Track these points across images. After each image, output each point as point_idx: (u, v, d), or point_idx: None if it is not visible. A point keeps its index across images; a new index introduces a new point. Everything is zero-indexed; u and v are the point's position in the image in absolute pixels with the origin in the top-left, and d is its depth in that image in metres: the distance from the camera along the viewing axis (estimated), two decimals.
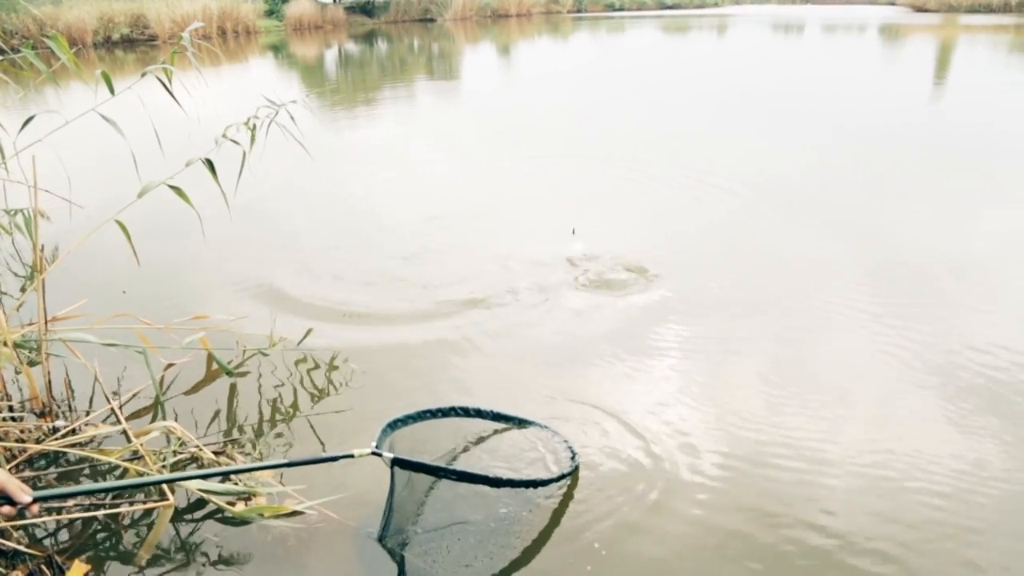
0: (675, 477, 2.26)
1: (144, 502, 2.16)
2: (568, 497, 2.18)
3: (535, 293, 3.61)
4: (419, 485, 2.11)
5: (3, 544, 1.93)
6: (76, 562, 1.92)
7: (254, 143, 2.78)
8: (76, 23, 18.49)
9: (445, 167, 6.48)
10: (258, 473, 2.25)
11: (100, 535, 2.07)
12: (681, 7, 37.06)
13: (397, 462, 1.90)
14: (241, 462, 2.34)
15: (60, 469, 2.35)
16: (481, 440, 2.44)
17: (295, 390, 2.83)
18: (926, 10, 27.18)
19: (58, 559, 1.94)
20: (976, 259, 3.91)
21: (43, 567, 1.90)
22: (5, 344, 2.37)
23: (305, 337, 3.01)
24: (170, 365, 2.95)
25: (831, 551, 1.96)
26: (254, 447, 2.46)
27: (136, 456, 2.27)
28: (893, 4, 32.25)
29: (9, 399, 2.61)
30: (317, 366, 2.99)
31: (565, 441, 2.40)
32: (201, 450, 2.34)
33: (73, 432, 2.43)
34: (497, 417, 2.41)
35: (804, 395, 2.68)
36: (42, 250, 2.53)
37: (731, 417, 2.56)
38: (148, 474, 2.17)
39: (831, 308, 3.37)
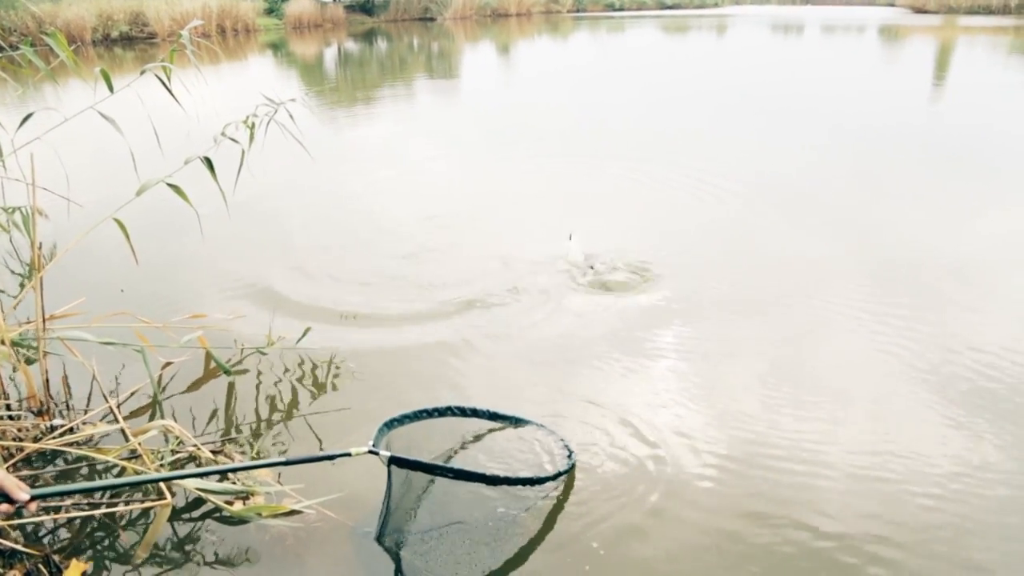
0: (675, 478, 2.26)
1: (142, 501, 2.16)
2: (567, 497, 2.18)
3: (534, 293, 3.60)
4: (416, 484, 2.11)
5: (0, 543, 1.93)
6: (74, 561, 1.92)
7: (253, 142, 2.78)
8: (75, 20, 18.46)
9: (444, 166, 6.47)
10: (256, 472, 2.25)
11: (98, 534, 2.07)
12: (681, 7, 37.06)
13: (394, 460, 1.90)
14: (239, 461, 2.34)
15: (58, 468, 2.34)
16: (477, 439, 2.44)
17: (293, 389, 2.82)
18: (925, 11, 27.19)
19: (55, 558, 1.93)
20: (975, 259, 3.91)
21: (40, 566, 1.90)
22: (3, 342, 2.37)
23: (303, 336, 3.00)
24: (168, 364, 2.95)
25: (831, 553, 1.96)
26: (252, 446, 2.46)
27: (134, 455, 2.26)
28: (892, 5, 32.27)
29: (7, 398, 2.61)
30: (315, 365, 2.99)
31: (562, 439, 2.40)
32: (199, 449, 2.33)
33: (71, 431, 2.43)
34: (493, 416, 2.41)
35: (804, 396, 2.68)
36: (40, 248, 2.52)
37: (731, 418, 2.56)
38: (146, 473, 2.16)
39: (831, 308, 3.37)
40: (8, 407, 2.55)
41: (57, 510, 2.10)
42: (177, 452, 2.34)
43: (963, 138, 6.97)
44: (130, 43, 19.59)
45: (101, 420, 2.54)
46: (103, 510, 2.11)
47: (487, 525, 2.07)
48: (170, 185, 2.57)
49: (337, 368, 2.96)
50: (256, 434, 2.54)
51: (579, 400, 2.69)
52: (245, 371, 2.95)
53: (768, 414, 2.57)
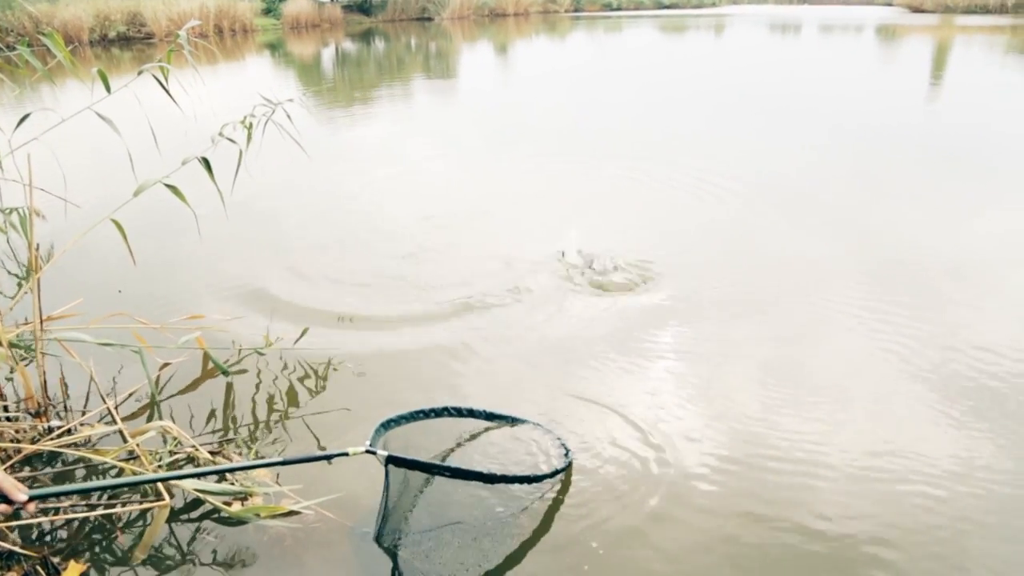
0: (675, 478, 2.26)
1: (140, 502, 2.15)
2: (566, 498, 2.18)
3: (533, 293, 3.60)
4: (414, 485, 2.11)
5: None
6: (72, 563, 1.91)
7: (250, 142, 2.77)
8: (72, 21, 18.43)
9: (442, 166, 6.47)
10: (254, 473, 2.25)
11: (96, 536, 2.06)
12: (678, 7, 37.08)
13: (391, 460, 1.90)
14: (237, 462, 2.33)
15: (56, 469, 2.34)
16: (474, 439, 2.44)
17: (291, 390, 2.82)
18: (923, 11, 27.23)
19: (53, 560, 1.93)
20: (974, 258, 3.92)
21: (38, 568, 1.89)
22: (0, 344, 2.36)
23: (301, 337, 3.00)
24: (166, 365, 2.94)
25: (830, 555, 1.96)
26: (250, 447, 2.45)
27: (132, 456, 2.26)
28: (890, 4, 32.31)
29: (4, 399, 2.60)
30: (313, 366, 2.98)
31: (558, 438, 2.40)
32: (197, 450, 2.33)
33: (68, 432, 2.42)
34: (490, 416, 2.41)
35: (804, 396, 2.68)
36: (37, 249, 2.52)
37: (731, 418, 2.56)
38: (144, 473, 2.16)
39: (830, 307, 3.37)
40: (6, 408, 2.55)
41: (55, 511, 2.10)
42: (175, 453, 2.34)
43: (961, 138, 6.98)
44: (127, 43, 19.56)
45: (99, 421, 2.54)
46: (101, 511, 2.11)
47: (486, 525, 2.07)
48: (168, 186, 2.56)
49: (335, 369, 2.96)
50: (254, 435, 2.54)
51: (578, 400, 2.69)
52: (243, 372, 2.95)
53: (768, 414, 2.57)
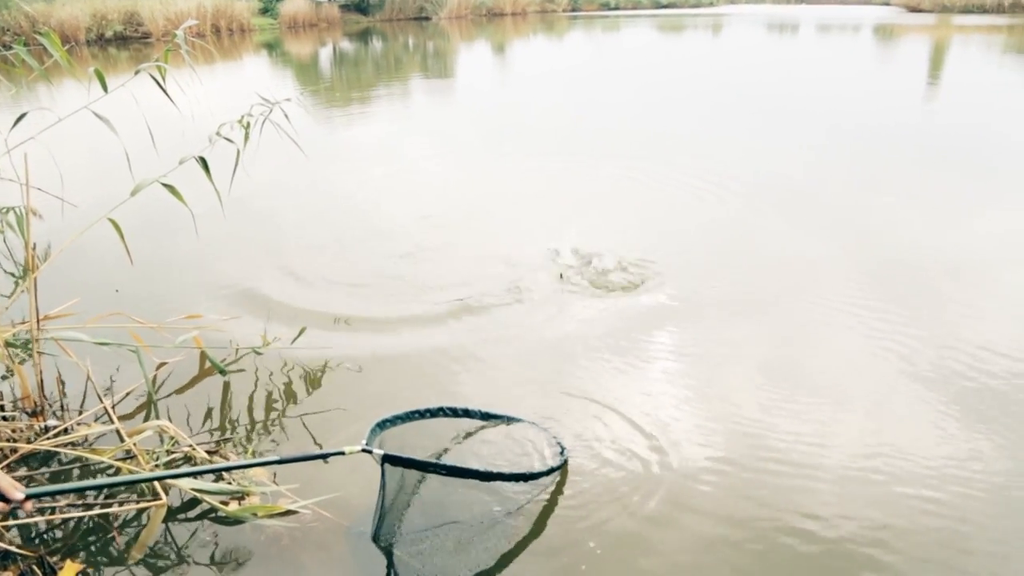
0: (673, 480, 2.26)
1: (137, 502, 2.15)
2: (564, 498, 2.18)
3: (531, 293, 3.60)
4: (411, 484, 2.11)
5: None
6: (68, 562, 1.91)
7: (248, 141, 2.77)
8: (69, 20, 18.38)
9: (440, 165, 6.46)
10: (252, 472, 2.24)
11: (92, 536, 2.06)
12: (676, 6, 37.07)
13: (388, 458, 1.90)
14: (234, 461, 2.33)
15: (52, 469, 2.33)
16: (470, 439, 2.44)
17: (288, 390, 2.82)
18: (920, 10, 27.25)
19: (50, 560, 1.93)
20: (972, 258, 3.93)
21: (35, 567, 1.89)
22: None
23: (298, 336, 3.00)
24: (163, 364, 2.94)
25: (828, 556, 1.96)
26: (247, 447, 2.45)
27: (129, 455, 2.26)
28: (887, 4, 32.33)
29: (1, 398, 2.60)
30: (310, 366, 2.98)
31: (554, 437, 2.41)
32: (194, 449, 2.33)
33: (65, 431, 2.42)
34: (486, 416, 2.41)
35: (802, 397, 2.68)
36: (34, 248, 2.51)
37: (730, 419, 2.56)
38: (141, 472, 2.16)
39: (829, 307, 3.38)
40: (2, 408, 2.55)
41: (52, 511, 2.10)
42: (172, 452, 2.34)
43: (958, 137, 6.99)
44: (124, 43, 19.51)
45: (96, 421, 2.54)
46: (98, 511, 2.11)
47: (483, 525, 2.07)
48: (165, 185, 2.56)
49: (332, 369, 2.96)
50: (251, 434, 2.54)
51: (576, 401, 2.69)
52: (241, 371, 2.94)
53: (767, 415, 2.57)
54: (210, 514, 2.12)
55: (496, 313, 3.41)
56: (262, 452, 2.43)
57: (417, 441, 2.26)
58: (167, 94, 2.69)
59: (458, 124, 8.66)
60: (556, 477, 2.25)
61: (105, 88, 2.48)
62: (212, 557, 1.98)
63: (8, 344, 2.52)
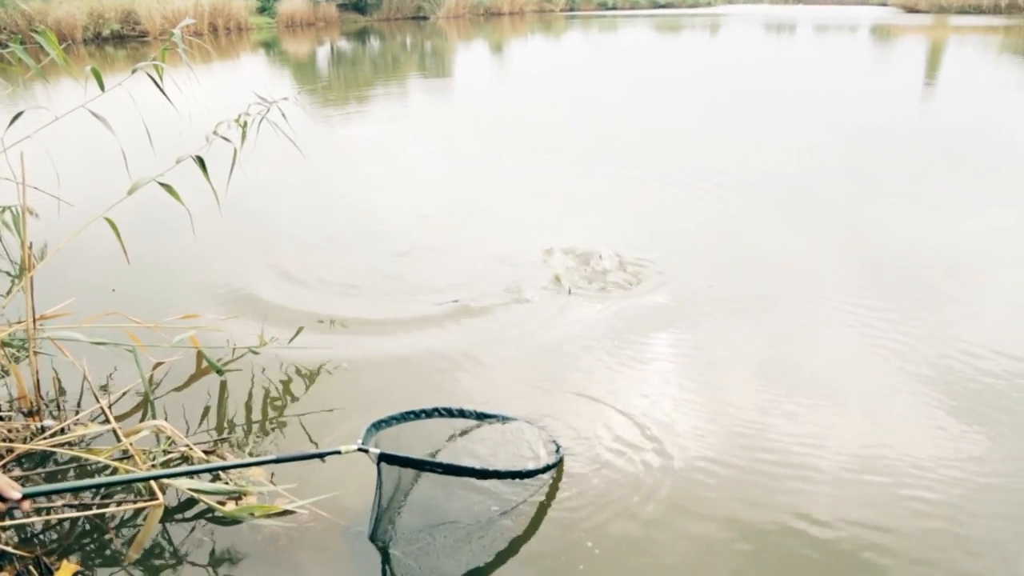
0: (672, 481, 2.26)
1: (134, 502, 2.15)
2: (562, 498, 2.18)
3: (528, 293, 3.60)
4: (408, 484, 2.10)
5: None
6: (64, 563, 1.91)
7: (245, 140, 2.77)
8: (65, 19, 18.31)
9: (437, 164, 6.46)
10: (248, 472, 2.24)
11: (89, 536, 2.06)
12: (674, 6, 37.07)
13: (384, 457, 1.90)
14: (231, 460, 2.33)
15: (48, 469, 2.33)
16: (465, 439, 2.43)
17: (285, 389, 2.81)
18: (917, 11, 27.28)
19: (46, 560, 1.92)
20: (970, 257, 3.93)
21: (31, 568, 1.89)
22: None
23: (296, 336, 2.99)
24: (159, 364, 2.93)
25: (826, 557, 1.97)
26: (244, 447, 2.45)
27: (125, 455, 2.25)
28: (884, 4, 32.38)
29: None
30: (307, 365, 2.98)
31: (550, 436, 2.41)
32: (191, 449, 2.32)
33: (62, 431, 2.41)
34: (480, 416, 2.42)
35: (800, 396, 2.68)
36: (30, 248, 2.50)
37: (729, 419, 2.56)
38: (137, 472, 2.15)
39: (828, 306, 3.38)
40: None
41: (48, 511, 2.09)
42: (169, 452, 2.33)
43: (955, 137, 7.01)
44: (121, 42, 19.46)
45: (92, 421, 2.53)
46: (94, 511, 2.10)
47: (480, 524, 2.07)
48: (162, 184, 2.55)
49: (329, 369, 2.95)
50: (248, 434, 2.53)
51: (576, 401, 2.69)
52: (238, 371, 2.94)
53: (765, 415, 2.57)
54: (207, 514, 2.11)
55: (494, 313, 3.41)
56: (259, 452, 2.43)
57: (413, 441, 2.26)
58: (164, 93, 2.68)
59: (456, 123, 8.66)
60: (552, 475, 2.25)
61: (102, 87, 2.47)
62: (209, 557, 1.98)
63: (4, 344, 2.52)
